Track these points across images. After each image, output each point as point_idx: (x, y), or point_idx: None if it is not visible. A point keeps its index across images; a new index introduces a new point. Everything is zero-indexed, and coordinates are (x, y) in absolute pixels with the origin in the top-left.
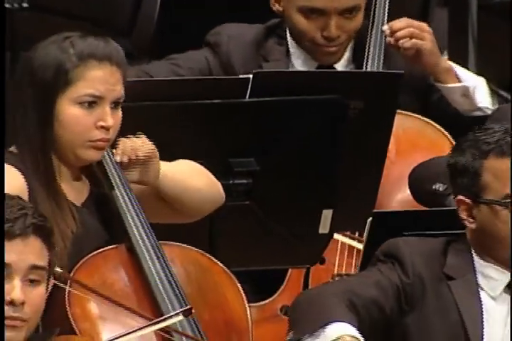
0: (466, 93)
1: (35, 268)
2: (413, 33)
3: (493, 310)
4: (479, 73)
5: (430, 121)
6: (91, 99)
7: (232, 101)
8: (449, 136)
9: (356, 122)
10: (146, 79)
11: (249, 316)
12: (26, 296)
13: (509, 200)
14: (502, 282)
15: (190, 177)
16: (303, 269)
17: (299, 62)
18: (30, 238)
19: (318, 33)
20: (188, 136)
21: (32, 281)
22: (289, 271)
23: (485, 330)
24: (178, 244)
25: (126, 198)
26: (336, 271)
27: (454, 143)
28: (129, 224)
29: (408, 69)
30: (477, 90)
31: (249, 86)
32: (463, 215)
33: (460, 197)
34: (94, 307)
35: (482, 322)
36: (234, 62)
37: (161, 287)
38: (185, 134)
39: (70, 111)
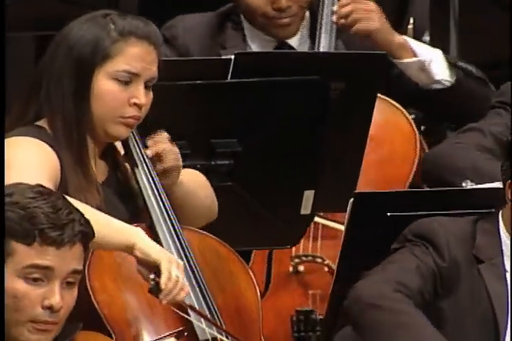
0: (423, 67)
1: (75, 272)
2: (356, 11)
3: None
4: (461, 54)
5: (385, 97)
6: (127, 75)
7: (214, 82)
8: (405, 112)
9: (338, 103)
10: None
11: (260, 307)
12: (62, 299)
13: None
14: None
15: (199, 189)
16: (265, 253)
17: (255, 46)
18: (76, 245)
19: (269, 6)
20: (170, 117)
21: (68, 284)
22: (253, 253)
23: (509, 314)
24: (197, 229)
25: (149, 176)
26: (293, 253)
27: (409, 119)
28: (151, 203)
29: (365, 46)
30: (433, 63)
31: (231, 67)
32: (510, 197)
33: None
34: (112, 282)
35: (508, 306)
36: (192, 53)
37: None
38: (167, 115)
39: (105, 86)
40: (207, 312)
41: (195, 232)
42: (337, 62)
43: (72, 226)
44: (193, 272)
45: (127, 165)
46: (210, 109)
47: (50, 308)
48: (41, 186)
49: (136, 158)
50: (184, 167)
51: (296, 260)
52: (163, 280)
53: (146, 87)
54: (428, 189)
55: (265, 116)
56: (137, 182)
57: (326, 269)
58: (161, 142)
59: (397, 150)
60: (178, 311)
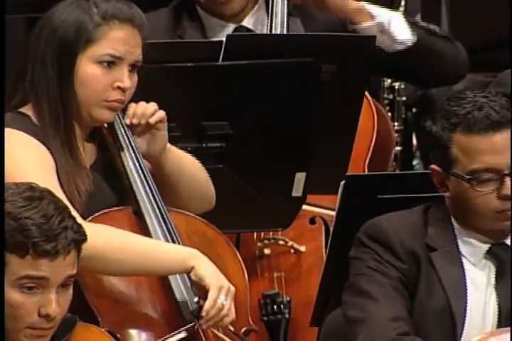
0: (383, 29)
1: (70, 277)
2: None
3: (475, 276)
4: (452, 35)
5: None
6: (111, 59)
7: (205, 64)
8: (367, 94)
9: (329, 85)
10: None
11: (248, 289)
12: (59, 305)
13: (473, 177)
14: (482, 249)
15: (191, 164)
16: (232, 237)
17: (213, 33)
18: (71, 252)
19: None
20: (161, 100)
21: (64, 286)
22: None
23: (469, 298)
24: (184, 211)
25: (135, 160)
26: (262, 236)
27: (370, 100)
28: (136, 186)
29: (326, 17)
30: (393, 24)
31: (222, 49)
32: (437, 184)
33: (433, 166)
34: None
35: (466, 291)
36: None
37: None
38: (157, 98)
39: (89, 70)
40: (192, 295)
41: (182, 215)
42: (328, 44)
43: (66, 235)
44: None
45: (114, 148)
46: (202, 92)
47: (47, 316)
48: (31, 188)
49: (122, 142)
50: None
51: (259, 244)
52: (206, 307)
53: (131, 70)
54: (418, 171)
55: (256, 99)
56: (123, 165)
57: (292, 251)
58: (135, 106)
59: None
60: None
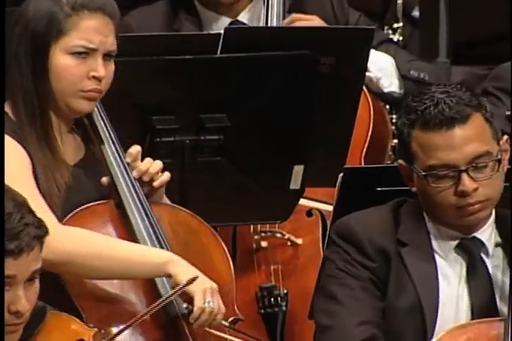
0: (371, 80)
1: (35, 272)
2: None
3: (446, 271)
4: (451, 29)
5: None
6: (83, 49)
7: (204, 56)
8: (366, 91)
9: (328, 78)
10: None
11: (233, 278)
12: (28, 300)
13: (430, 173)
14: (452, 243)
15: None
16: (229, 230)
17: (210, 27)
18: (34, 248)
19: None
20: (160, 92)
21: (30, 280)
22: (218, 230)
23: (441, 292)
24: (167, 203)
25: (116, 154)
26: (259, 228)
27: (367, 94)
28: (117, 179)
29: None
30: (382, 81)
31: (221, 42)
32: (405, 179)
33: (400, 160)
34: None
35: (437, 286)
36: None
37: (149, 244)
38: (156, 90)
39: (62, 61)
40: (183, 304)
41: (165, 207)
42: (326, 36)
43: (28, 232)
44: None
45: (95, 141)
46: (200, 84)
47: (17, 313)
48: None
49: (102, 135)
50: (174, 142)
51: (256, 236)
52: (194, 315)
53: (106, 59)
54: None
55: (255, 91)
56: (104, 158)
57: (289, 243)
58: (139, 159)
59: None
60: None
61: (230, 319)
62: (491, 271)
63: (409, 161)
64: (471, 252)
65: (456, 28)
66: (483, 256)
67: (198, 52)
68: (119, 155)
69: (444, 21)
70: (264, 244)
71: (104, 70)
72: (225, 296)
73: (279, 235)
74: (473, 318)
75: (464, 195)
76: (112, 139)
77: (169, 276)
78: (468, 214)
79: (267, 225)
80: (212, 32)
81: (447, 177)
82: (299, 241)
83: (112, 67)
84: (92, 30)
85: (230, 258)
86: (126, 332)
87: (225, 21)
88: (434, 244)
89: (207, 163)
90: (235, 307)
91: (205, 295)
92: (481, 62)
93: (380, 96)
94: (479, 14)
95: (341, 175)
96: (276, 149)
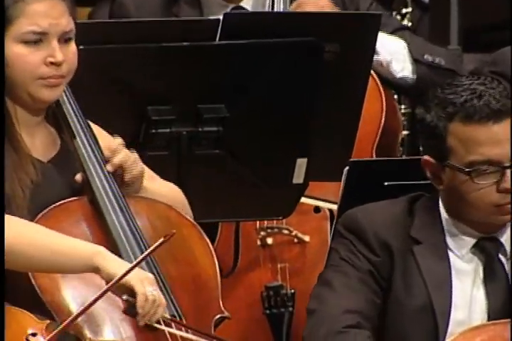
0: (382, 65)
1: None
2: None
3: (461, 271)
4: (462, 16)
5: None
6: (34, 36)
7: (201, 43)
8: (373, 73)
9: (332, 66)
10: (108, 20)
11: (218, 273)
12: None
13: (474, 169)
14: (469, 242)
15: (166, 199)
16: (232, 226)
17: (211, 12)
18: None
19: None
20: (155, 81)
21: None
22: (220, 226)
23: (454, 293)
24: (143, 196)
25: (88, 147)
26: (265, 224)
27: (373, 74)
28: (91, 174)
29: None
30: (393, 64)
31: (219, 28)
32: (429, 175)
33: (426, 157)
34: None
35: (451, 287)
36: None
37: (125, 241)
38: (151, 79)
39: (15, 51)
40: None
41: (142, 200)
42: (331, 22)
43: None
44: (139, 247)
45: (66, 132)
46: (197, 73)
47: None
48: None
49: (72, 125)
50: (170, 133)
51: (262, 232)
52: (139, 303)
53: (64, 42)
54: None
55: (255, 80)
56: (75, 150)
57: (296, 240)
58: (119, 151)
59: (364, 107)
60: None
61: (216, 317)
62: (508, 273)
63: (441, 157)
64: (488, 252)
65: (468, 13)
66: (501, 257)
67: (195, 38)
68: (91, 147)
69: (455, 7)
70: (269, 240)
71: (62, 54)
72: (210, 292)
73: (286, 232)
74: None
75: (506, 192)
76: (83, 130)
77: (97, 270)
78: (506, 212)
79: (274, 221)
80: (211, 17)
81: (490, 174)
82: (307, 238)
83: (72, 48)
84: (40, 14)
85: (213, 252)
86: (109, 336)
87: (226, 7)
88: (450, 242)
89: (205, 156)
90: (221, 304)
91: (144, 283)
92: (494, 49)
93: (392, 82)
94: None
95: (347, 168)
96: (278, 141)
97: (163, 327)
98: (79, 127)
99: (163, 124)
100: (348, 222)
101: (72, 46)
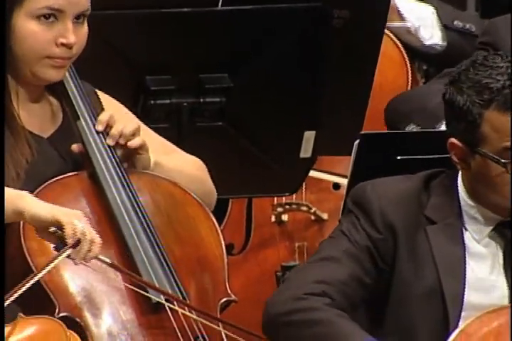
0: (410, 32)
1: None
2: None
3: (477, 253)
4: None
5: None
6: (49, 11)
7: (203, 9)
8: (393, 38)
9: (341, 33)
10: None
11: (224, 254)
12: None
13: (509, 161)
14: (488, 226)
15: (183, 176)
16: (244, 201)
17: None
18: None
19: None
20: (154, 49)
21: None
22: (230, 201)
23: (470, 277)
24: (146, 172)
25: (88, 117)
26: (275, 201)
27: (399, 46)
28: (90, 146)
29: None
30: (422, 30)
31: None
32: (455, 159)
33: (454, 140)
34: None
35: (464, 269)
36: None
37: (127, 218)
38: (150, 47)
39: (27, 26)
40: (160, 270)
41: (145, 175)
42: None
43: None
44: (141, 225)
45: (70, 115)
46: (199, 40)
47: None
48: None
49: (78, 109)
50: (170, 105)
51: (279, 209)
52: (67, 232)
53: (78, 22)
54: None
55: (260, 48)
56: (74, 122)
57: (313, 218)
58: (118, 120)
59: (388, 81)
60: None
61: (222, 300)
62: None
63: (472, 143)
64: (508, 237)
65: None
66: None
67: (197, 4)
68: (91, 119)
69: None
70: (285, 217)
71: (75, 36)
72: (216, 274)
73: (304, 208)
74: None
75: None
76: (82, 101)
77: (22, 214)
78: None
79: (293, 197)
80: None
81: None
82: (325, 216)
83: (84, 30)
84: None
85: (220, 233)
86: (108, 319)
87: None
88: (468, 223)
89: (207, 128)
90: (227, 287)
91: (71, 217)
92: None
93: (420, 50)
94: None
95: (357, 142)
96: (284, 113)
97: (162, 301)
98: (82, 108)
99: (162, 95)
100: (356, 194)
101: (85, 26)
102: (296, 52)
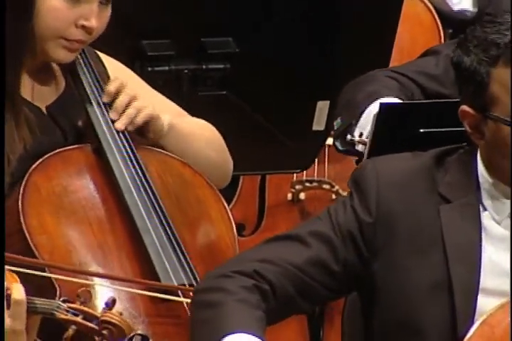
0: None
1: None
2: None
3: (497, 235)
4: None
5: None
6: None
7: None
8: (432, 9)
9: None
10: None
11: (236, 239)
12: (98, 21)
13: None
14: (508, 205)
15: (199, 141)
16: (257, 178)
17: None
18: None
19: None
20: (152, 10)
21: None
22: (241, 178)
23: (486, 263)
24: (154, 149)
25: (94, 88)
26: (295, 178)
27: (430, 7)
28: (95, 117)
29: None
30: None
31: None
32: (468, 129)
33: (464, 107)
34: (53, 217)
35: (480, 254)
36: None
37: (135, 195)
38: (148, 7)
39: (50, 2)
40: (172, 254)
41: (153, 152)
42: None
43: None
44: (152, 204)
45: (80, 98)
46: (200, 1)
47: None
48: None
49: (90, 93)
50: (169, 72)
51: (298, 186)
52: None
53: (103, 4)
54: None
55: (268, 9)
56: (79, 93)
57: (334, 196)
58: (121, 100)
59: (419, 42)
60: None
61: None
62: None
63: (483, 107)
64: None
65: None
66: None
67: None
68: (97, 90)
69: None
70: (302, 195)
71: (97, 21)
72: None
73: (326, 186)
74: None
75: None
76: (88, 70)
77: None
78: None
79: (315, 173)
80: None
81: None
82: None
83: (107, 13)
84: None
85: (231, 217)
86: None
87: None
88: (487, 202)
89: (209, 98)
90: None
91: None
92: None
93: (450, 16)
94: None
95: (376, 112)
96: (295, 81)
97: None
98: (95, 92)
99: (160, 61)
100: (355, 172)
101: (109, 9)
102: (307, 12)
